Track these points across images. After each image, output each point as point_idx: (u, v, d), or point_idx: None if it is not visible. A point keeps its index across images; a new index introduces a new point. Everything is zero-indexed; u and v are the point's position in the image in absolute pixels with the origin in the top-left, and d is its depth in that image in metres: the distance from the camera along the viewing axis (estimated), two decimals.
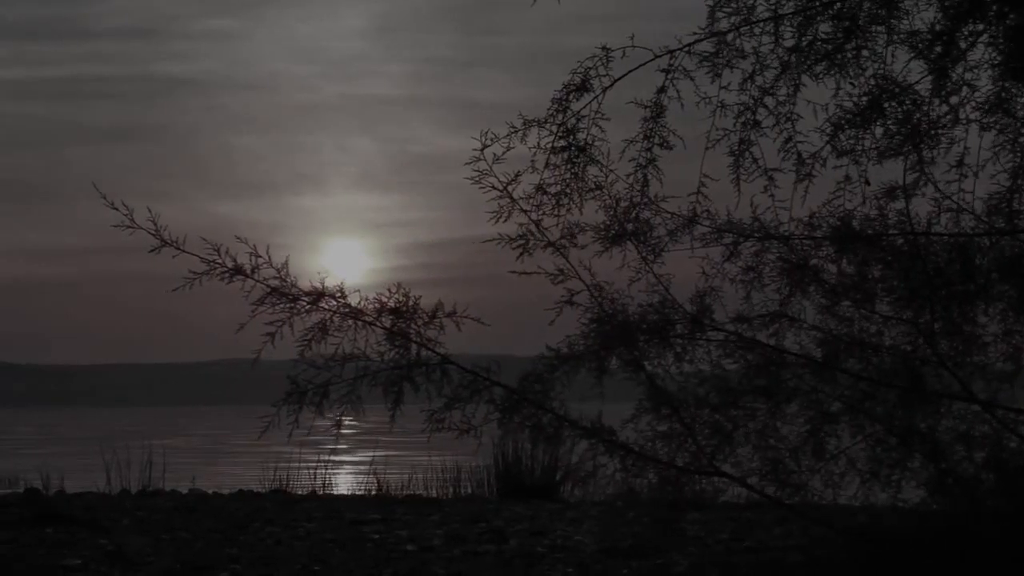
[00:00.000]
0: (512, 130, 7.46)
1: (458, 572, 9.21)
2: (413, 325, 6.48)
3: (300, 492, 16.42)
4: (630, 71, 7.44)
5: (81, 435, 61.22)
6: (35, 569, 9.14)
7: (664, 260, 8.01)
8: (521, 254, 7.49)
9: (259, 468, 26.99)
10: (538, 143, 7.49)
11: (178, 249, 6.52)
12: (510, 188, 7.05)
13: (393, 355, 6.45)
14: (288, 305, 6.46)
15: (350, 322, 6.47)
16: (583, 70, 7.41)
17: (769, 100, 7.21)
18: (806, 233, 8.00)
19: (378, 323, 6.51)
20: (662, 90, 7.35)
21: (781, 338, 7.50)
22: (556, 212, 7.39)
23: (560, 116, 7.54)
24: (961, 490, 6.57)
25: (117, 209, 6.47)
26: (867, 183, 7.13)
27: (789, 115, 7.18)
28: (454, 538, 10.85)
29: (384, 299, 6.49)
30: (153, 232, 6.51)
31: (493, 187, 6.95)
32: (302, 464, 17.76)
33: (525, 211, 7.09)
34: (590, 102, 7.51)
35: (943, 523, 6.64)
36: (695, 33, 7.18)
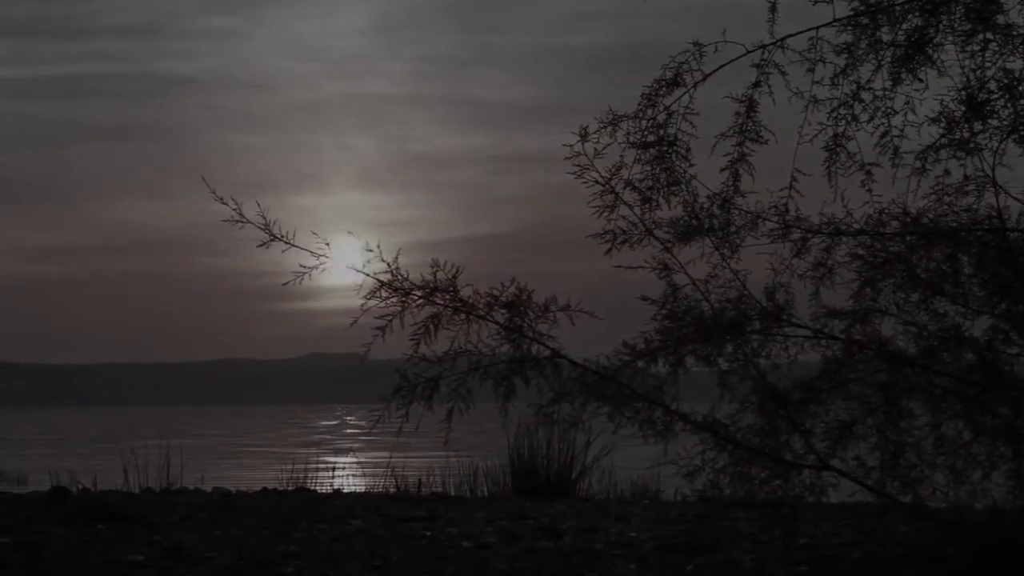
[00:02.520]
0: (602, 125, 7.51)
1: (522, 568, 9.23)
2: (526, 319, 6.51)
3: (322, 491, 16.45)
4: (721, 66, 7.48)
5: (82, 435, 61.15)
6: (99, 566, 9.10)
7: (740, 256, 8.10)
8: (609, 249, 7.54)
9: (264, 467, 27.03)
10: (627, 138, 7.53)
11: (288, 243, 6.53)
12: (612, 183, 7.08)
13: (507, 349, 6.47)
14: (399, 299, 6.47)
15: (461, 316, 6.49)
16: (675, 65, 7.45)
17: (865, 94, 7.26)
18: (875, 229, 8.06)
19: (489, 317, 6.53)
20: (756, 84, 7.39)
21: (868, 333, 7.54)
22: (649, 207, 7.43)
23: (649, 111, 7.59)
24: None
25: (225, 203, 6.46)
26: (964, 178, 7.19)
27: (887, 110, 7.24)
28: (507, 535, 10.85)
29: (497, 293, 6.51)
30: (262, 226, 6.52)
31: (596, 181, 6.99)
32: (305, 464, 17.79)
33: (629, 205, 7.13)
34: (680, 97, 7.55)
35: None
36: (827, 24, 7.19)
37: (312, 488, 16.44)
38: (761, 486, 6.95)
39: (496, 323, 6.51)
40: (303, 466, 17.43)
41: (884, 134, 7.29)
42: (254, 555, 9.67)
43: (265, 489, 16.07)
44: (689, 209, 7.81)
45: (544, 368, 6.53)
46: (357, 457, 18.35)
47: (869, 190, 7.39)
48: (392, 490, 16.33)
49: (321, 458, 18.26)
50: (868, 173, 7.35)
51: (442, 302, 6.49)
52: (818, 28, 7.34)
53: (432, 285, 6.48)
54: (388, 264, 6.49)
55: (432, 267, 6.47)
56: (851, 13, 7.16)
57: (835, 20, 7.28)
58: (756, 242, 8.03)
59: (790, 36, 7.39)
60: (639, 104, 7.52)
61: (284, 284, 6.40)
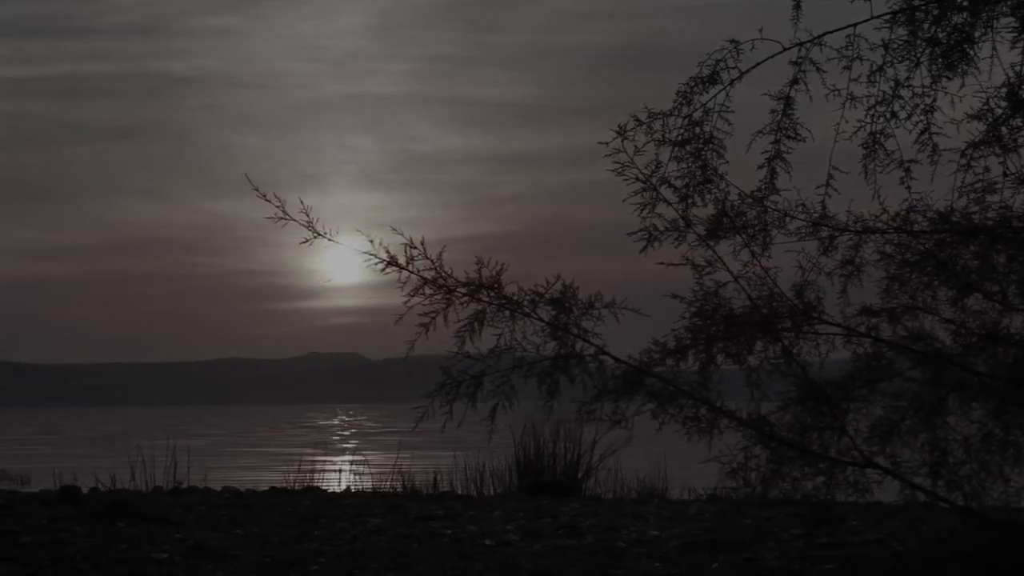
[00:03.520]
0: (637, 123, 7.52)
1: (547, 566, 9.22)
2: (571, 316, 6.51)
3: (330, 490, 16.43)
4: (758, 63, 7.49)
5: (82, 435, 61.11)
6: (126, 564, 9.08)
7: (769, 254, 8.12)
8: (645, 247, 7.55)
9: (267, 466, 26.97)
10: (663, 135, 7.54)
11: (330, 240, 6.52)
12: (651, 180, 7.09)
13: (553, 346, 6.48)
14: (443, 296, 6.47)
15: (505, 313, 6.49)
16: (712, 63, 7.47)
17: (904, 91, 7.28)
18: (903, 227, 8.08)
19: (534, 314, 6.54)
20: (795, 82, 7.40)
21: (911, 330, 7.54)
22: (687, 205, 7.45)
23: (685, 108, 7.59)
24: None
25: (269, 201, 6.46)
26: (1003, 174, 7.20)
27: (926, 107, 7.26)
28: (528, 533, 10.85)
29: (541, 290, 6.51)
30: (306, 223, 6.51)
31: (636, 178, 6.99)
32: (312, 463, 17.80)
33: (669, 203, 7.14)
34: (716, 95, 7.56)
35: None
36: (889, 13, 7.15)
37: (321, 487, 16.43)
38: (801, 484, 6.95)
39: (541, 320, 6.51)
40: (310, 465, 17.44)
41: (923, 131, 7.32)
42: (279, 553, 9.66)
43: (274, 488, 16.08)
44: (722, 207, 7.81)
45: (588, 365, 6.53)
46: (365, 457, 18.33)
47: (908, 187, 7.40)
48: (399, 489, 16.30)
49: (325, 457, 18.23)
50: (907, 170, 7.37)
51: (487, 299, 6.49)
52: (855, 25, 7.36)
53: (478, 282, 6.48)
54: (432, 261, 6.50)
55: (476, 264, 6.47)
56: (889, 10, 7.17)
57: (873, 16, 7.30)
58: (787, 240, 8.04)
59: (827, 33, 7.41)
60: (675, 101, 7.53)
61: (327, 281, 6.40)
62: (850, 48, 7.37)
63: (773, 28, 7.65)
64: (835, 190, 7.48)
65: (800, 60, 7.41)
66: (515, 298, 6.52)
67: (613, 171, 7.01)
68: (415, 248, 6.49)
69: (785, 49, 7.44)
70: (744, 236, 7.90)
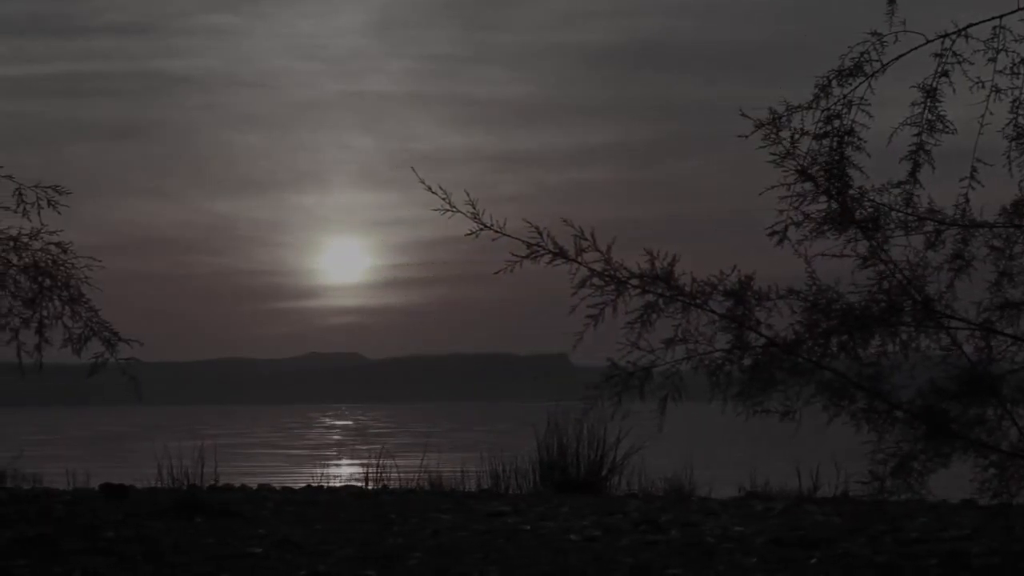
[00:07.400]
0: (775, 116, 7.52)
1: (646, 561, 9.22)
2: (746, 307, 6.51)
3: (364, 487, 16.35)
4: (901, 55, 7.50)
5: (82, 435, 60.78)
6: (222, 559, 9.01)
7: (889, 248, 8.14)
8: (780, 240, 7.55)
9: (280, 465, 26.88)
10: (802, 128, 7.55)
11: (498, 232, 6.49)
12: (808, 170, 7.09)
13: (728, 338, 6.47)
14: (613, 287, 6.45)
15: (677, 304, 6.48)
16: (856, 55, 7.47)
17: None
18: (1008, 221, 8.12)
19: (706, 306, 6.53)
20: (943, 74, 7.41)
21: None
22: (830, 197, 7.45)
23: (823, 101, 7.60)
24: None
25: (435, 193, 6.43)
26: None
27: None
28: (609, 529, 10.84)
29: (714, 281, 6.51)
30: (471, 215, 6.48)
31: (795, 170, 7.00)
32: (338, 461, 17.74)
33: (828, 194, 7.15)
34: (856, 87, 7.56)
35: None
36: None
37: (356, 484, 16.39)
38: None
39: (714, 312, 6.51)
40: (336, 465, 17.39)
41: None
42: (370, 548, 9.64)
43: (309, 486, 16.03)
44: (853, 200, 7.81)
45: (759, 358, 6.53)
46: (392, 457, 18.23)
47: None
48: (427, 487, 16.23)
49: (349, 459, 18.18)
50: None
51: (660, 291, 6.47)
52: (1001, 17, 7.38)
53: (651, 274, 6.46)
54: (602, 253, 6.47)
55: (647, 256, 6.44)
56: None
57: (1020, 8, 7.32)
58: (903, 234, 8.04)
59: (972, 25, 7.42)
60: (813, 94, 7.54)
61: (496, 273, 6.36)
62: (995, 40, 7.39)
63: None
64: (978, 183, 7.50)
65: (944, 52, 7.42)
66: (688, 289, 6.51)
67: (771, 162, 7.00)
68: (585, 240, 6.46)
69: (928, 41, 7.45)
70: (866, 229, 7.90)
